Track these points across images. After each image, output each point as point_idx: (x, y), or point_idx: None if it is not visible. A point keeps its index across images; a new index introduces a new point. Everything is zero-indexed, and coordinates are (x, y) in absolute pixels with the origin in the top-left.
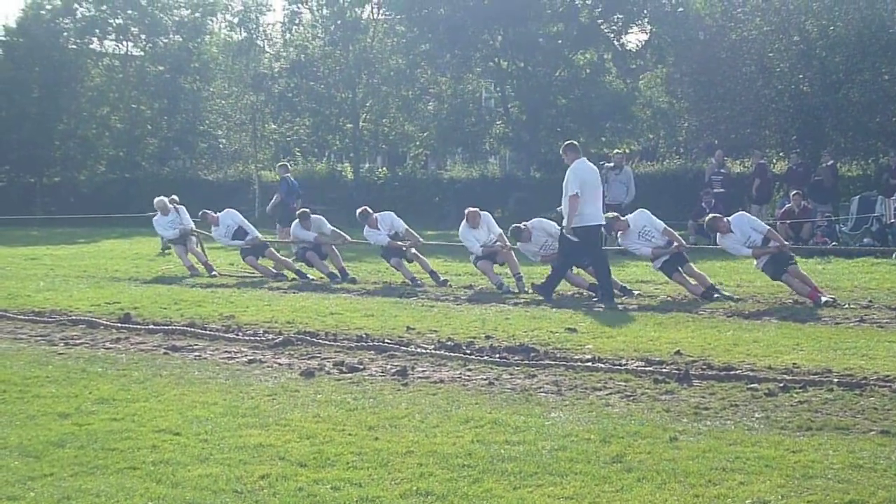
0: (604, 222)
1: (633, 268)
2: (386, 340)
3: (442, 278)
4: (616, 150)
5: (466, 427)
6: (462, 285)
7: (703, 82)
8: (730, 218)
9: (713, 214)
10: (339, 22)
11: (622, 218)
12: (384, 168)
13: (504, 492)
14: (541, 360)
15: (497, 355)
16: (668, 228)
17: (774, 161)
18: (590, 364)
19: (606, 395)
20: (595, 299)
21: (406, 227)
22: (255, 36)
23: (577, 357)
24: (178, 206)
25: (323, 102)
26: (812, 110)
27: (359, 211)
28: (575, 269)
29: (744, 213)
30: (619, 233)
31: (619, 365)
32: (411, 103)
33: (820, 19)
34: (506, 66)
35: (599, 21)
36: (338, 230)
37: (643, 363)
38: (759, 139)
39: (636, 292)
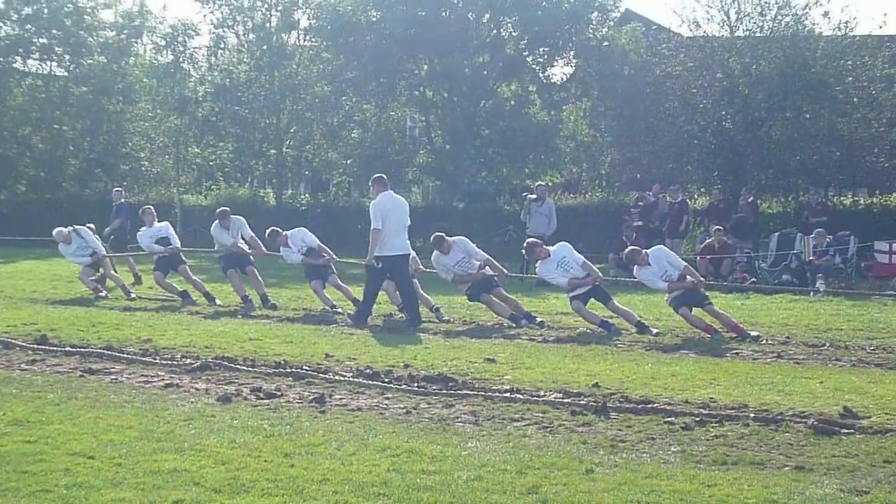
0: (409, 252)
1: (552, 300)
2: (304, 367)
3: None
4: (539, 182)
5: (383, 455)
6: (382, 313)
7: (626, 116)
8: (648, 251)
9: (632, 247)
10: (265, 47)
11: (543, 246)
12: (307, 194)
13: None
14: (459, 389)
15: (415, 384)
16: (588, 262)
17: (696, 196)
18: (508, 395)
19: (524, 425)
20: (603, 332)
21: (319, 242)
22: (181, 59)
23: (495, 387)
24: (78, 230)
25: (247, 127)
26: (734, 147)
27: (267, 232)
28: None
29: (662, 246)
30: (538, 261)
31: (537, 396)
32: (335, 130)
33: (743, 57)
34: (431, 96)
35: (525, 53)
36: (255, 238)
37: (561, 395)
38: (682, 174)
39: (538, 319)
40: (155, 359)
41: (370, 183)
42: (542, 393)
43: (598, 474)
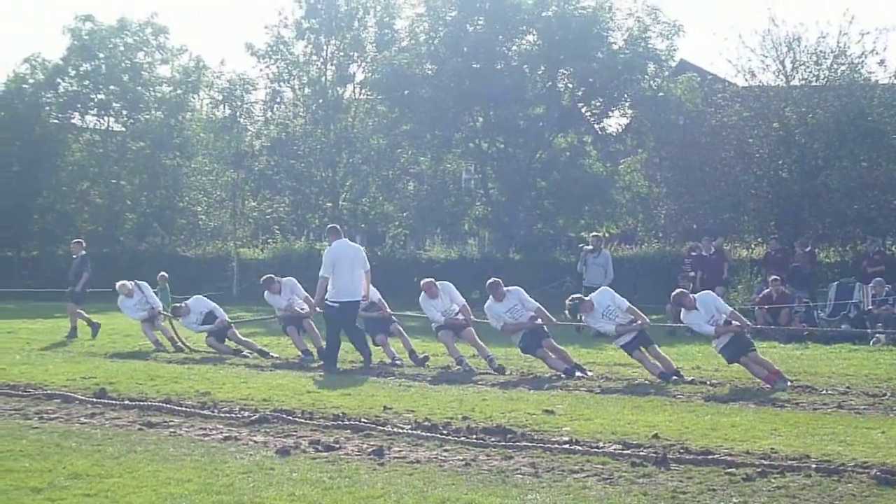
0: (358, 299)
1: (610, 351)
2: (362, 420)
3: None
4: (594, 233)
5: None
6: (439, 366)
7: (682, 167)
8: (695, 295)
9: (680, 290)
10: (320, 101)
11: (586, 299)
12: (363, 247)
13: None
14: (518, 441)
15: (474, 436)
16: (632, 307)
17: (752, 246)
18: (567, 446)
19: (584, 477)
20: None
21: (306, 294)
22: (237, 113)
23: (554, 439)
24: (139, 284)
25: (303, 181)
26: (790, 196)
27: (262, 279)
28: (552, 353)
29: (710, 292)
30: (584, 314)
31: (597, 447)
32: (391, 183)
33: (799, 106)
34: (486, 148)
35: (580, 104)
36: (309, 297)
37: (621, 446)
38: (738, 224)
39: (589, 372)
40: (213, 412)
41: (326, 233)
42: (601, 444)
43: None
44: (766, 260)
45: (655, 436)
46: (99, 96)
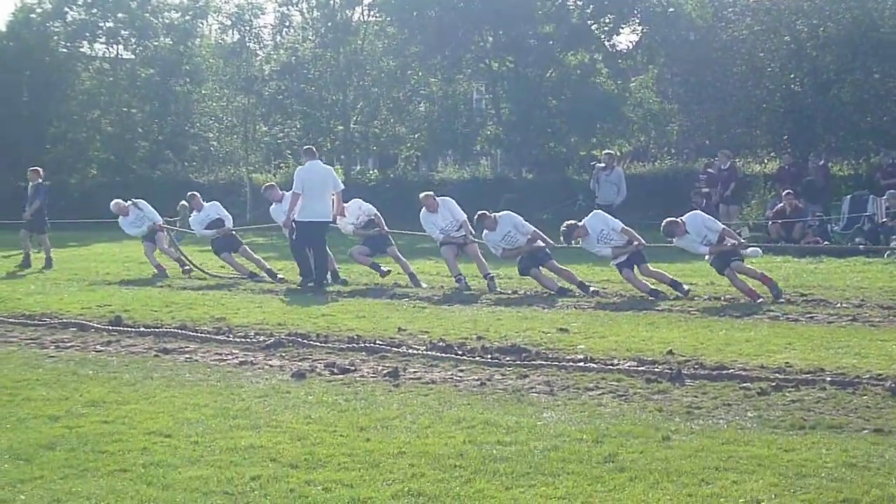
0: (327, 220)
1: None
2: (377, 342)
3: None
4: (606, 151)
5: (458, 428)
6: (454, 286)
7: (693, 83)
8: (683, 218)
9: (669, 219)
10: (329, 24)
11: (579, 224)
12: (375, 170)
13: (496, 492)
14: (532, 360)
15: (489, 356)
16: (626, 228)
17: (765, 161)
18: (582, 364)
19: (598, 394)
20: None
21: (376, 212)
22: (246, 39)
23: (568, 357)
24: (136, 202)
25: (314, 105)
26: (803, 110)
27: (263, 187)
28: (543, 271)
29: (697, 212)
30: (579, 239)
31: (611, 365)
32: (402, 105)
33: (810, 19)
34: (496, 68)
35: (590, 22)
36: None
37: (635, 363)
38: (750, 139)
39: (591, 288)
40: (229, 337)
41: (302, 153)
42: (616, 361)
43: (674, 441)
44: (779, 174)
45: (670, 352)
46: (107, 24)
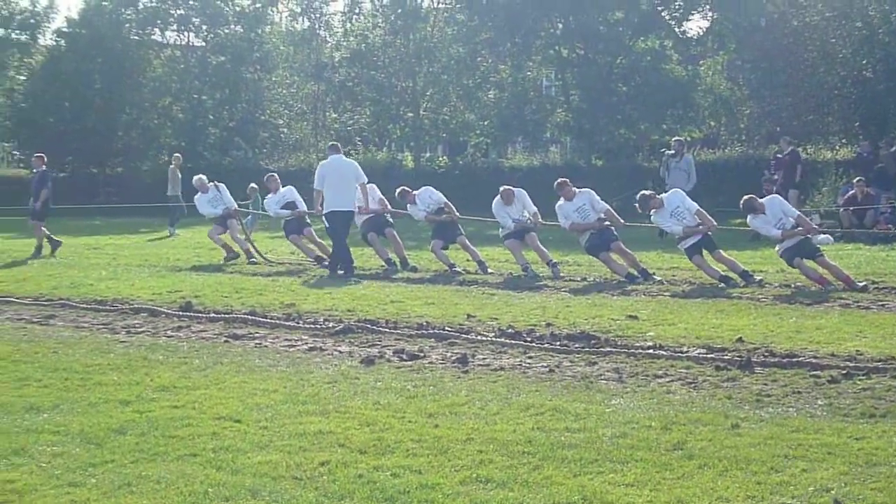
0: (346, 209)
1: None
2: (446, 328)
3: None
4: (676, 138)
5: (527, 414)
6: (511, 272)
7: (764, 69)
8: (763, 200)
9: (749, 195)
10: (399, 11)
11: (657, 196)
12: (444, 157)
13: (564, 479)
14: (601, 347)
15: (557, 343)
16: (702, 210)
17: (837, 148)
18: (651, 351)
19: (668, 382)
20: (639, 280)
21: (446, 200)
22: (316, 26)
23: (637, 344)
24: (217, 185)
25: (383, 91)
26: (875, 96)
27: (397, 191)
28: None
29: (777, 195)
30: (653, 210)
31: (681, 352)
32: (472, 92)
33: (883, 4)
34: (566, 54)
35: (660, 8)
36: (384, 199)
37: (704, 350)
38: (822, 126)
39: (656, 277)
40: (298, 323)
41: (327, 149)
42: (685, 349)
43: (743, 429)
44: (855, 161)
45: (739, 339)
46: (178, 11)
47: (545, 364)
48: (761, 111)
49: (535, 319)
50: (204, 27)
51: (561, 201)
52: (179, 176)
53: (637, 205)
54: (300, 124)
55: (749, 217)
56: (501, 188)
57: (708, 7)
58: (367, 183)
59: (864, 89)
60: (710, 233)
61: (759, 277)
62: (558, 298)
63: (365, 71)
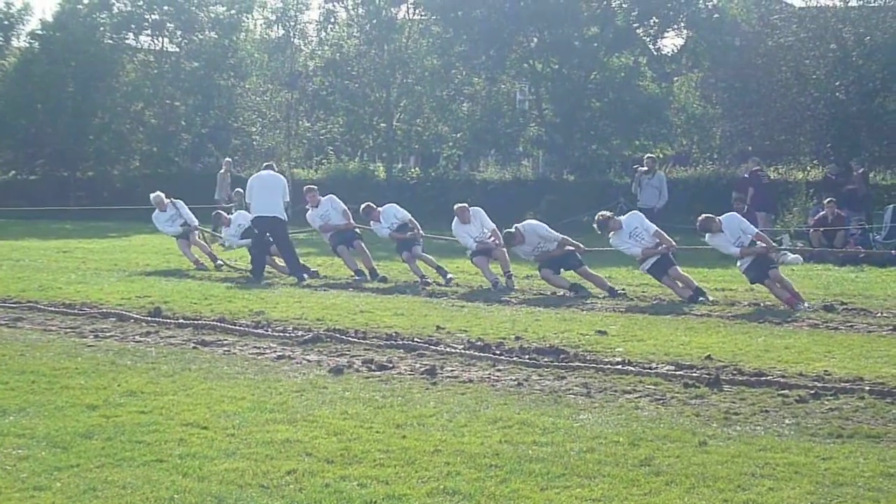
0: (270, 214)
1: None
2: (415, 339)
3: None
4: (649, 155)
5: (495, 427)
6: (464, 284)
7: (738, 88)
8: (721, 218)
9: (706, 215)
10: (374, 21)
11: (615, 218)
12: (417, 168)
13: (531, 492)
14: (570, 361)
15: (526, 356)
16: (660, 231)
17: (808, 168)
18: (620, 367)
19: (636, 398)
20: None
21: (410, 217)
22: (291, 34)
23: (607, 360)
24: (175, 202)
25: (357, 101)
26: (847, 118)
27: (362, 207)
28: (563, 272)
29: (735, 213)
30: (612, 232)
31: (650, 368)
32: (445, 104)
33: (857, 27)
34: (541, 68)
35: (635, 25)
36: (348, 211)
37: (673, 367)
38: (794, 146)
39: (620, 291)
40: (267, 331)
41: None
42: (654, 365)
43: (711, 447)
44: (825, 182)
45: (708, 357)
46: (153, 16)
47: (514, 377)
48: (734, 130)
49: (505, 332)
50: (178, 32)
51: (514, 248)
52: (228, 181)
53: (596, 227)
54: (273, 132)
55: (707, 236)
56: (456, 207)
57: (683, 25)
58: (328, 195)
59: (837, 110)
60: (669, 253)
61: (711, 298)
62: (528, 312)
63: (339, 80)
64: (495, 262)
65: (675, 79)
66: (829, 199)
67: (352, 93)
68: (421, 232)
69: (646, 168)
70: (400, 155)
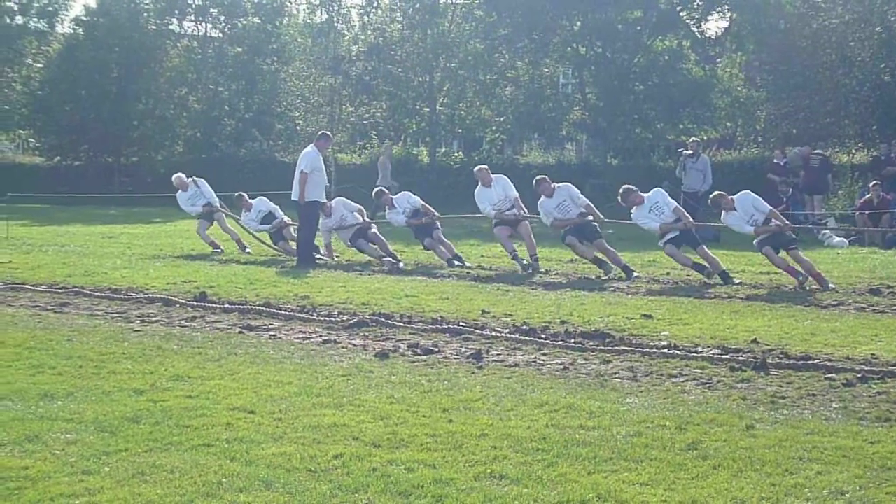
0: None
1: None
2: (461, 323)
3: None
4: (693, 138)
5: (541, 411)
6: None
7: (782, 71)
8: (734, 196)
9: (718, 192)
10: (417, 5)
11: (638, 192)
12: (460, 152)
13: (578, 476)
14: (616, 345)
15: (572, 340)
16: (679, 207)
17: (853, 151)
18: (665, 351)
19: (682, 381)
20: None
21: (423, 202)
22: (335, 18)
23: (652, 343)
24: (196, 181)
25: (400, 86)
26: (893, 101)
27: (374, 192)
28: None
29: (748, 192)
30: (634, 206)
31: (695, 352)
32: (488, 88)
33: None
34: (584, 52)
35: (679, 7)
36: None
37: (719, 351)
38: (838, 129)
39: (636, 274)
40: (313, 315)
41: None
42: (700, 349)
43: (758, 430)
44: (872, 164)
45: (755, 341)
46: (196, 2)
47: (559, 361)
48: (778, 113)
49: (550, 316)
50: (221, 18)
51: (542, 198)
52: (389, 166)
53: (619, 198)
54: (316, 117)
55: (722, 214)
56: (476, 169)
57: (727, 7)
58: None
59: (882, 93)
60: (691, 229)
61: (738, 281)
62: (573, 296)
63: (382, 65)
64: (520, 244)
65: (719, 61)
66: (874, 182)
67: (395, 77)
68: (437, 215)
69: (690, 151)
70: (443, 139)
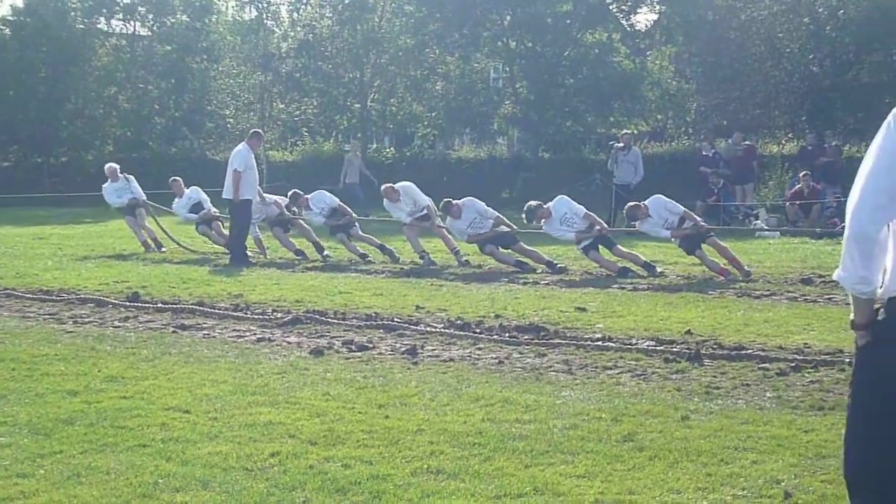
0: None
1: (641, 248)
2: (395, 319)
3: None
4: (624, 131)
5: (477, 405)
6: (476, 263)
7: (711, 63)
8: (646, 202)
9: (631, 203)
10: (346, 1)
11: (543, 206)
12: (392, 148)
13: (515, 470)
14: (551, 339)
15: (507, 334)
16: (589, 213)
17: (783, 141)
18: (600, 343)
19: (617, 374)
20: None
21: (339, 202)
22: (264, 16)
23: (587, 336)
24: (127, 176)
25: (331, 82)
26: (821, 91)
27: (289, 194)
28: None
29: (659, 196)
30: (543, 221)
31: (630, 344)
32: (419, 83)
33: (830, 0)
34: (514, 46)
35: (608, 1)
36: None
37: (654, 342)
38: (768, 120)
39: (557, 265)
40: (246, 313)
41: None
42: (634, 341)
43: (693, 421)
44: (801, 155)
45: (688, 332)
46: (124, 1)
47: (495, 355)
48: (708, 105)
49: (484, 311)
50: (150, 16)
51: (449, 220)
52: (355, 164)
53: (524, 217)
54: (246, 115)
55: (637, 223)
56: (382, 188)
57: (656, 0)
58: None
59: (811, 84)
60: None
61: (660, 269)
62: (507, 290)
63: (312, 61)
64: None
65: (649, 54)
66: (804, 173)
67: (325, 74)
68: (354, 215)
69: (622, 144)
70: (374, 135)
